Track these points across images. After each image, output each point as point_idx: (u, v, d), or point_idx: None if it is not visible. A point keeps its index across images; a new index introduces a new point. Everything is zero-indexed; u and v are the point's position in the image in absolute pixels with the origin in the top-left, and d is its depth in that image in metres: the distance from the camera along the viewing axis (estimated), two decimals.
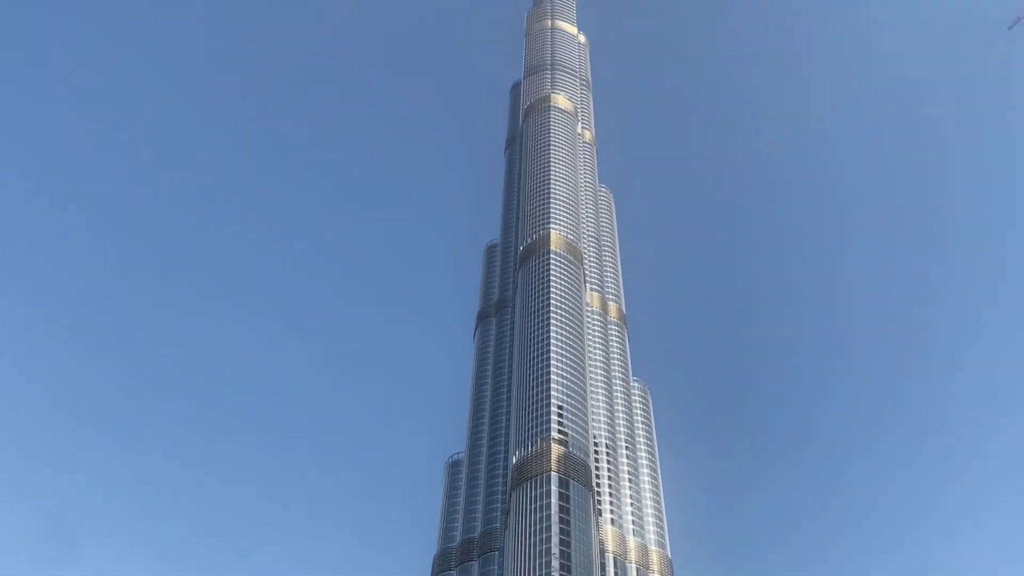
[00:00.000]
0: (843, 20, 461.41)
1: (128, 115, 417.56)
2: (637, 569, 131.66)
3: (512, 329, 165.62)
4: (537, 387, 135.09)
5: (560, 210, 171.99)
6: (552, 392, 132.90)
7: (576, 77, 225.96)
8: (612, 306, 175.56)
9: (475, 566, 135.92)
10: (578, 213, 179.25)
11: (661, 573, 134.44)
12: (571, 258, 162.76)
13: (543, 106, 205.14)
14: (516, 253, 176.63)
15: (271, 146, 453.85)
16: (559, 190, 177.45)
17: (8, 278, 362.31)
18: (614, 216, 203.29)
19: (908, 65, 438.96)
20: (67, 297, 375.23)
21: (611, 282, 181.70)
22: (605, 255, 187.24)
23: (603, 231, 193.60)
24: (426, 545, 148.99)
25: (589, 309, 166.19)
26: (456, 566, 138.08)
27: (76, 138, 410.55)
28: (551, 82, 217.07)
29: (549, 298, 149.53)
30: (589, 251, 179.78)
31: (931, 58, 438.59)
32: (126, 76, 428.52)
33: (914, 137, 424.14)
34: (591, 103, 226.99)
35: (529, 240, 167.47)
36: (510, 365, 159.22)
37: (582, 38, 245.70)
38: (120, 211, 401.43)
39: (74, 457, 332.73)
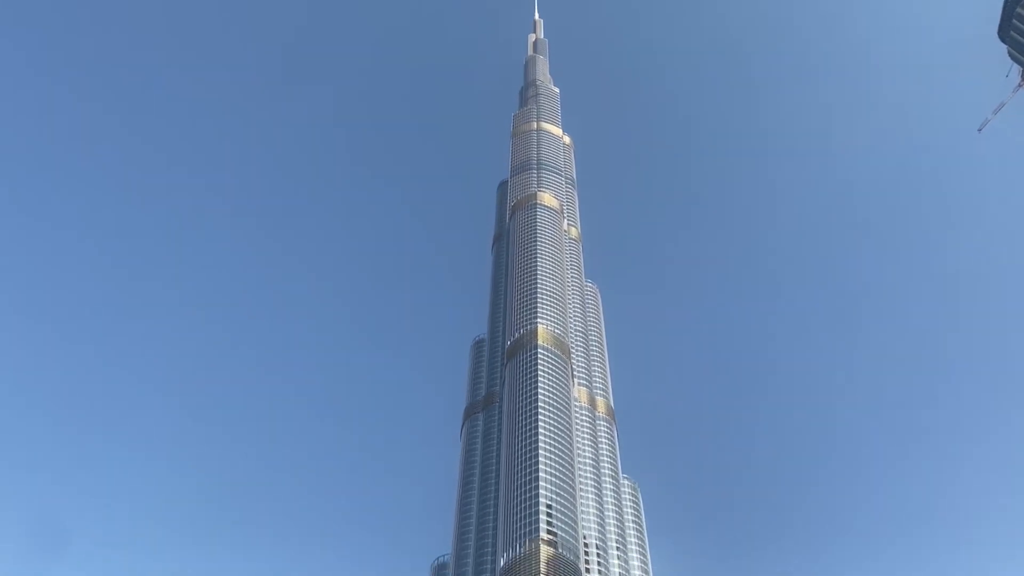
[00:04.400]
0: (819, 141, 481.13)
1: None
2: None
3: (500, 425, 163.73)
4: (525, 486, 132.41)
5: (547, 305, 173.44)
6: (541, 491, 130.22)
7: (561, 176, 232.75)
8: (600, 401, 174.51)
9: None
10: (565, 308, 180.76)
11: None
12: (558, 353, 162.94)
13: (529, 203, 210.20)
14: (503, 348, 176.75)
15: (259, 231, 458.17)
16: (546, 285, 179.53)
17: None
18: (601, 311, 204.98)
19: (881, 167, 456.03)
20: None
21: (599, 377, 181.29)
22: (592, 350, 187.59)
23: (590, 326, 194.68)
24: None
25: (577, 404, 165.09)
26: None
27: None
28: (537, 180, 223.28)
29: (537, 394, 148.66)
30: (576, 346, 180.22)
31: (903, 162, 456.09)
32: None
33: (888, 239, 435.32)
34: (576, 201, 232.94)
35: (516, 335, 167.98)
36: (498, 463, 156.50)
37: (567, 139, 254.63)
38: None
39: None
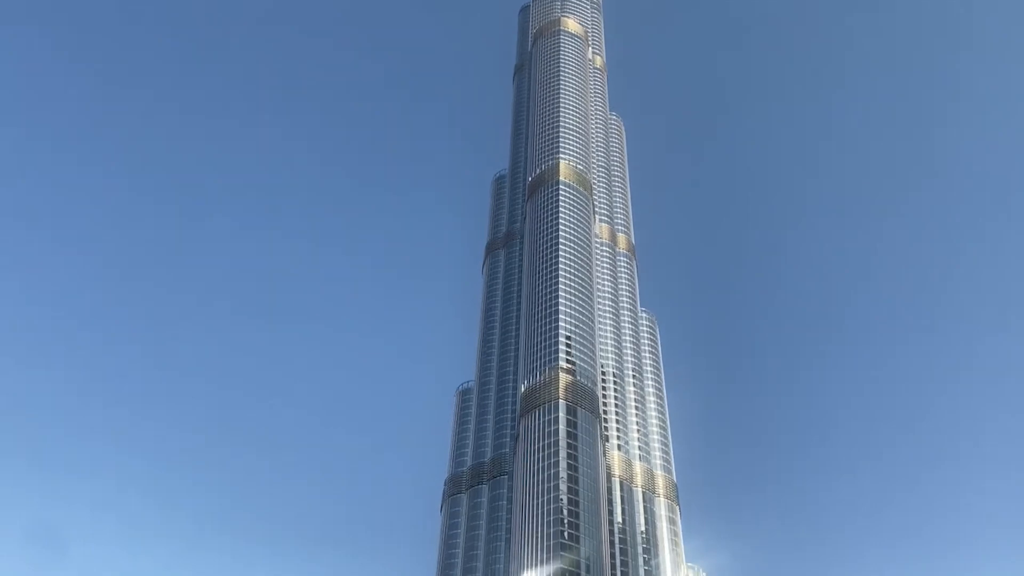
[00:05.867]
0: None
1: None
2: (643, 492, 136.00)
3: (521, 260, 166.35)
4: (545, 317, 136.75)
5: (570, 140, 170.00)
6: (560, 322, 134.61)
7: None
8: (621, 237, 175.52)
9: (485, 489, 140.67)
10: (588, 142, 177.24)
11: (666, 496, 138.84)
12: (580, 189, 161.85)
13: (552, 30, 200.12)
14: (525, 184, 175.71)
15: (270, 88, 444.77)
16: (568, 119, 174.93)
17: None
18: (624, 145, 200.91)
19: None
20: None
21: (620, 213, 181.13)
22: (615, 185, 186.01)
23: (613, 160, 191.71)
24: (438, 470, 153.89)
25: (598, 240, 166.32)
26: (467, 489, 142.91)
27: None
28: (560, 5, 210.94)
29: (558, 230, 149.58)
30: (599, 181, 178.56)
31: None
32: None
33: (927, 88, 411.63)
34: (602, 26, 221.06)
35: (538, 171, 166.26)
36: (519, 296, 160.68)
37: None
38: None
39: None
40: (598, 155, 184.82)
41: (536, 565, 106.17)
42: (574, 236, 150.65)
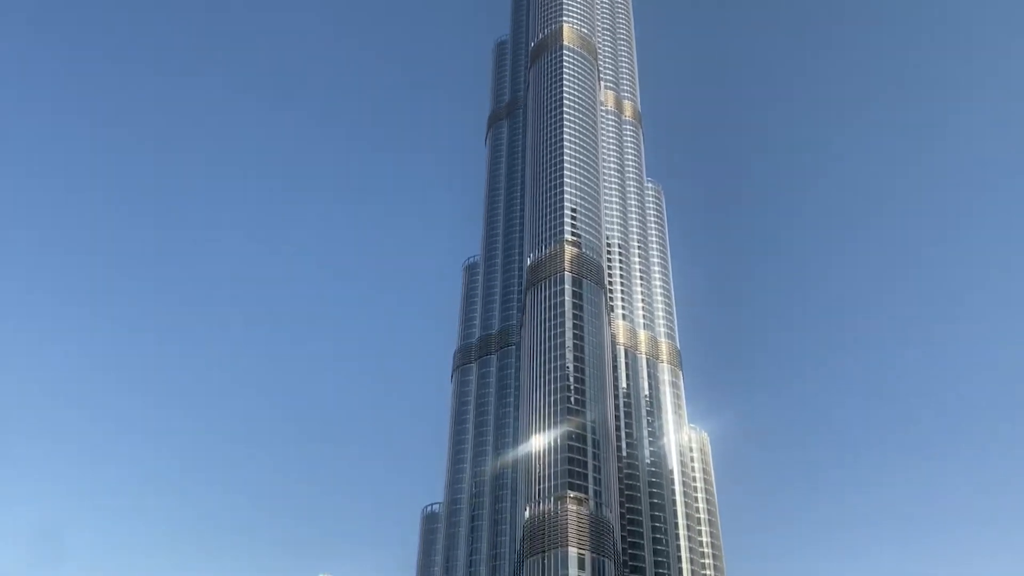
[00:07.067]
0: None
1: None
2: (647, 359, 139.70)
3: (525, 131, 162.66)
4: (550, 190, 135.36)
5: (573, 1, 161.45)
6: (566, 195, 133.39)
7: None
8: (627, 105, 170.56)
9: (493, 359, 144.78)
10: (592, 4, 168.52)
11: (669, 363, 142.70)
12: (585, 54, 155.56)
13: None
14: (527, 50, 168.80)
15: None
16: None
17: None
18: (630, 5, 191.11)
19: None
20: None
21: (627, 79, 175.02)
22: (621, 50, 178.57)
23: (619, 23, 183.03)
24: (447, 342, 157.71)
25: (603, 108, 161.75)
26: (476, 360, 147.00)
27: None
28: None
29: (562, 98, 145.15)
30: (604, 46, 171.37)
31: None
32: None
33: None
34: None
35: (541, 35, 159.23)
36: (523, 168, 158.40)
37: None
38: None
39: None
40: (603, 17, 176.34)
41: (544, 429, 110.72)
42: (579, 105, 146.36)
